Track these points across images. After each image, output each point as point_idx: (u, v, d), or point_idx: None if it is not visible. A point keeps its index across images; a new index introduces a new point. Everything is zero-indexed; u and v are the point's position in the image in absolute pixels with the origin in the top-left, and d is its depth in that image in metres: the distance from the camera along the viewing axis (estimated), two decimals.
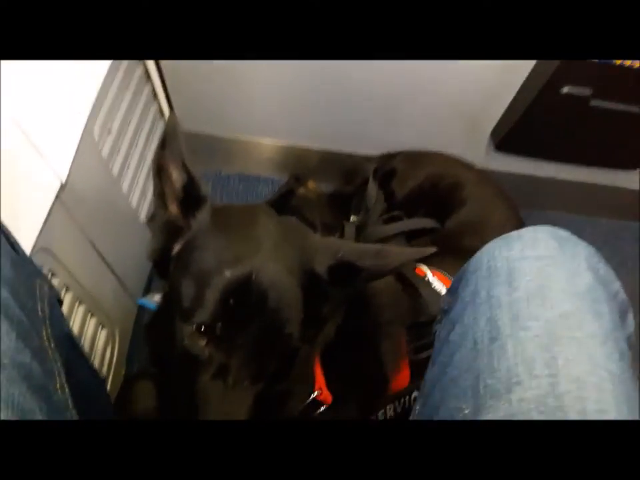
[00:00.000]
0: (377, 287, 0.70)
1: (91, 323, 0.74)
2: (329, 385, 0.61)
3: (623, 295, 0.45)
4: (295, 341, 0.47)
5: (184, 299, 0.47)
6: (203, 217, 0.52)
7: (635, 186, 1.11)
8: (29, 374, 0.35)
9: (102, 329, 0.77)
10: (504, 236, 0.48)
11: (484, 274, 0.45)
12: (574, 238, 0.46)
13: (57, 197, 0.59)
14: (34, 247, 0.56)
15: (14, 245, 0.42)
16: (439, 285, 0.77)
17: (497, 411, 0.37)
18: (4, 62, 0.53)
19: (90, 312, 0.73)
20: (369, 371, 0.66)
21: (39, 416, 0.34)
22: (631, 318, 0.46)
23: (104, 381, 0.64)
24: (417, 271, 0.78)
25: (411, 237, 0.94)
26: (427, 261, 0.80)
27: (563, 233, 0.47)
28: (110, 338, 0.80)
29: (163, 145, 0.51)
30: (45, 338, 0.40)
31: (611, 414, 0.35)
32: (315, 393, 0.59)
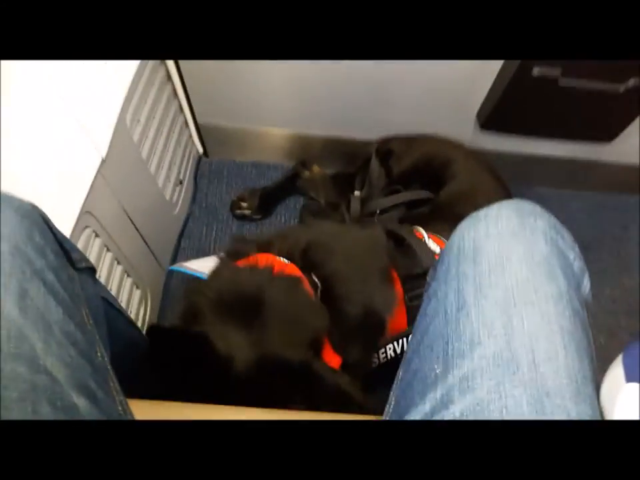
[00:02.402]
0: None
1: (127, 282, 0.87)
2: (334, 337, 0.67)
3: (579, 262, 0.49)
4: None
5: None
6: None
7: (612, 159, 1.20)
8: (75, 341, 0.40)
9: (136, 288, 0.91)
10: (473, 215, 0.53)
11: (455, 253, 0.50)
12: (537, 211, 0.50)
13: (99, 170, 0.73)
14: (81, 209, 0.70)
15: (55, 233, 0.46)
16: (434, 246, 0.88)
17: (462, 368, 0.41)
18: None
19: (126, 272, 0.86)
20: (368, 318, 0.73)
21: (87, 373, 0.39)
22: (586, 283, 0.50)
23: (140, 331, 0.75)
24: (416, 233, 0.89)
25: (411, 207, 1.06)
26: (425, 227, 0.91)
27: (527, 207, 0.51)
28: (143, 297, 0.93)
29: None
30: (84, 314, 0.44)
31: (560, 360, 0.39)
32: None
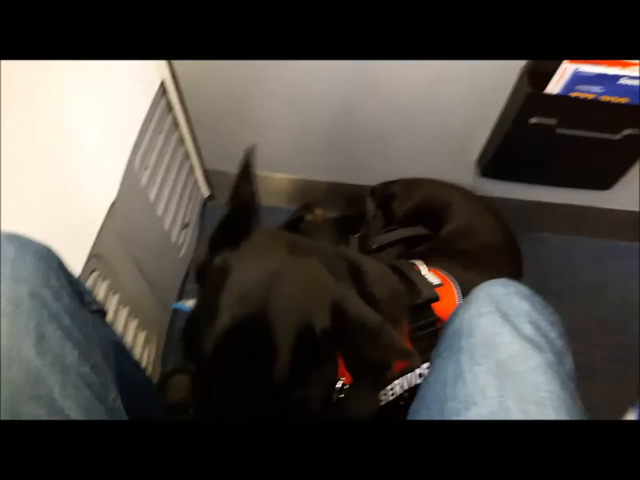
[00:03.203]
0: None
1: (132, 325, 0.87)
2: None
3: (560, 341, 0.55)
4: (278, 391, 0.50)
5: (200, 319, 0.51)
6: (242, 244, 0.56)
7: (613, 205, 1.22)
8: (90, 383, 0.41)
9: (141, 331, 0.91)
10: (467, 298, 0.60)
11: (454, 333, 0.57)
12: (522, 292, 0.57)
13: (108, 213, 0.75)
14: (90, 252, 0.71)
15: (69, 276, 0.47)
16: (433, 278, 0.88)
17: None
18: None
19: (131, 314, 0.86)
20: None
21: (101, 416, 0.40)
22: (568, 358, 0.55)
23: (147, 375, 0.75)
24: (414, 267, 0.90)
25: (409, 246, 1.07)
26: (426, 261, 0.92)
27: (513, 289, 0.57)
28: (148, 339, 0.93)
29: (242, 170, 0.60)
30: (98, 356, 0.45)
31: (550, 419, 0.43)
32: (340, 382, 0.66)
